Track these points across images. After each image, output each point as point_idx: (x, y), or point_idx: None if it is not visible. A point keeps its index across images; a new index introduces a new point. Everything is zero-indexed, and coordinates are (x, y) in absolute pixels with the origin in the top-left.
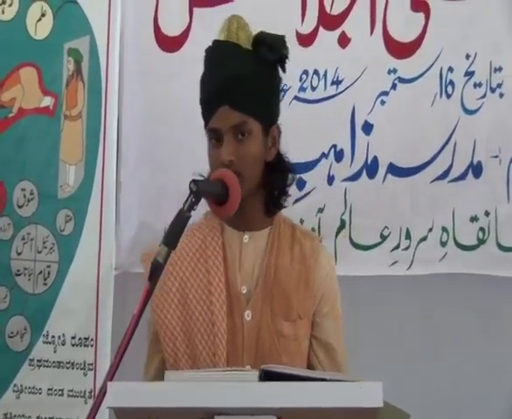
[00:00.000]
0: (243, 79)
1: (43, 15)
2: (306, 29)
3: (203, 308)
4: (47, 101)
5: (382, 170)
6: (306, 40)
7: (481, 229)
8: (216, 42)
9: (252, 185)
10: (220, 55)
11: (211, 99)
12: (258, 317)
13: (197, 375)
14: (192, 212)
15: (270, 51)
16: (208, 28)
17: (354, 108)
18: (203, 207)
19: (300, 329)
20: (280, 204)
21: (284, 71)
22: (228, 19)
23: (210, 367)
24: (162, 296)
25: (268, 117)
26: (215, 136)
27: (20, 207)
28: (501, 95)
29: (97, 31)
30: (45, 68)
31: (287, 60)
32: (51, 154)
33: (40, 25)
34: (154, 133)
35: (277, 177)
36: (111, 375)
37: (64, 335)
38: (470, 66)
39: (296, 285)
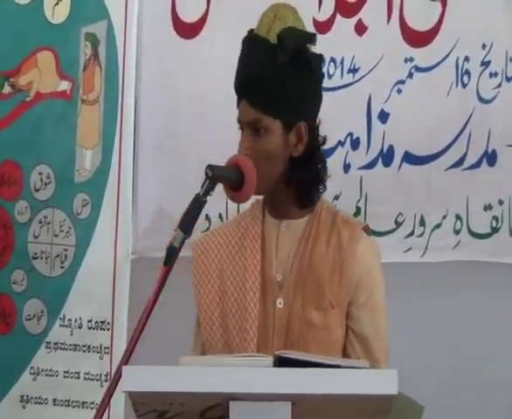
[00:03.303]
0: (262, 77)
1: None
2: (323, 16)
3: (238, 294)
4: (64, 85)
5: (397, 159)
6: (322, 27)
7: (495, 217)
8: (247, 34)
9: (268, 182)
10: (247, 49)
11: (236, 91)
12: (289, 304)
13: (211, 361)
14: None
15: (283, 50)
16: (225, 14)
17: (370, 97)
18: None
19: (332, 318)
20: (312, 197)
21: (311, 67)
22: (268, 9)
23: (241, 353)
24: (203, 282)
25: (291, 114)
26: (240, 126)
27: (37, 190)
28: None
29: (114, 16)
30: (62, 52)
31: (309, 56)
32: (68, 138)
33: (57, 9)
34: (171, 119)
35: (303, 173)
36: (126, 359)
37: (80, 318)
38: (486, 56)
39: (330, 273)
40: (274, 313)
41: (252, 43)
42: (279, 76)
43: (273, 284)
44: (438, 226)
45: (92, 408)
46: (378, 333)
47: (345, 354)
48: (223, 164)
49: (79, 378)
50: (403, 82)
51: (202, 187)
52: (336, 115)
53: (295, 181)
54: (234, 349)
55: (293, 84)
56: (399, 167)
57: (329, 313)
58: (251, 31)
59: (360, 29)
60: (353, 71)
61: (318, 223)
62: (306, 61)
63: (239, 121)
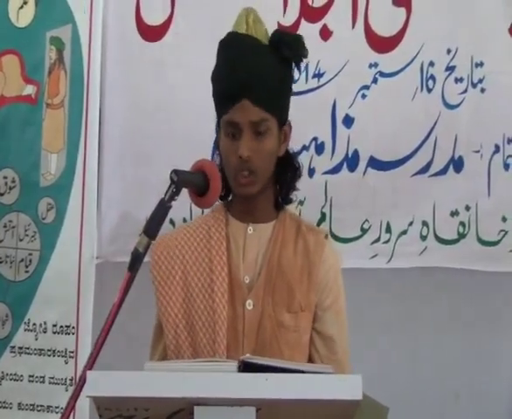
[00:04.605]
0: (264, 76)
1: (25, 2)
2: (288, 20)
3: (204, 296)
4: (29, 89)
5: (362, 164)
6: None
7: (462, 223)
8: (234, 34)
9: (264, 182)
10: (241, 48)
11: (231, 92)
12: (259, 306)
13: (176, 366)
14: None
15: (289, 49)
16: (190, 17)
17: (335, 101)
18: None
19: (302, 321)
20: (289, 199)
21: (299, 70)
22: (244, 11)
23: (210, 355)
24: (165, 283)
25: (283, 114)
26: (233, 129)
27: (2, 195)
28: (483, 90)
29: (79, 20)
30: (27, 56)
31: (304, 60)
32: (33, 142)
33: (22, 13)
34: (136, 123)
35: (288, 173)
36: (90, 364)
37: (45, 323)
38: (451, 61)
39: (299, 277)
40: (244, 315)
41: (246, 42)
42: (277, 75)
43: (241, 286)
44: (404, 232)
45: (57, 413)
46: (342, 334)
47: (309, 358)
48: (188, 169)
49: (44, 382)
50: (367, 87)
51: (167, 192)
52: (301, 120)
53: (280, 181)
54: (202, 351)
55: (285, 83)
56: (364, 172)
57: (300, 316)
58: (237, 33)
59: (325, 34)
60: (318, 75)
61: (284, 228)
62: (299, 63)
63: (235, 124)
